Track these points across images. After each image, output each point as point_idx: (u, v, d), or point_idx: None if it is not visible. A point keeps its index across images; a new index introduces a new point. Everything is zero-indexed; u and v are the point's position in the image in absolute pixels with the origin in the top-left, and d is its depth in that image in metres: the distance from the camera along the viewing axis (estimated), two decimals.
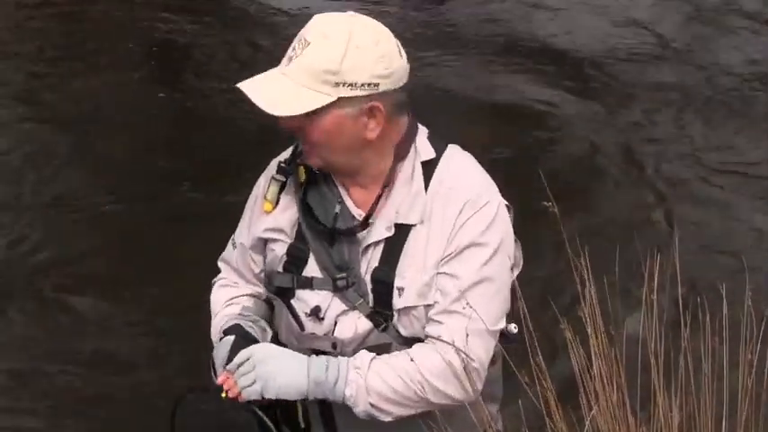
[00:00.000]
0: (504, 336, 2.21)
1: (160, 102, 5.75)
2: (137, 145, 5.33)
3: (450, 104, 5.68)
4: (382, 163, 2.18)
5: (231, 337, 2.21)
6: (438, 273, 2.14)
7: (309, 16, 2.12)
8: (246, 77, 2.14)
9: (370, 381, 2.10)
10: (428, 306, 2.15)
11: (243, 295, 2.36)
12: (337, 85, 2.07)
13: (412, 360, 2.11)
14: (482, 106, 5.75)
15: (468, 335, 2.09)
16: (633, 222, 4.65)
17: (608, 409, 2.05)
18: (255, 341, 2.21)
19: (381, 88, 2.09)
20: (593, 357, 2.08)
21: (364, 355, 2.14)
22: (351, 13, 2.15)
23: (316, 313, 2.20)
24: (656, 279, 2.18)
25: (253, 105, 2.11)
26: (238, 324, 2.26)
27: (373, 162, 2.18)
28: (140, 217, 4.77)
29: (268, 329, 2.30)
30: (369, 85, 2.08)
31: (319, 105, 2.08)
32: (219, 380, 2.14)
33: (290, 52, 2.10)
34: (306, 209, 2.21)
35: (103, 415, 3.77)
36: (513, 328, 2.23)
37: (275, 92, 2.10)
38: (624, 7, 6.71)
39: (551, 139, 5.46)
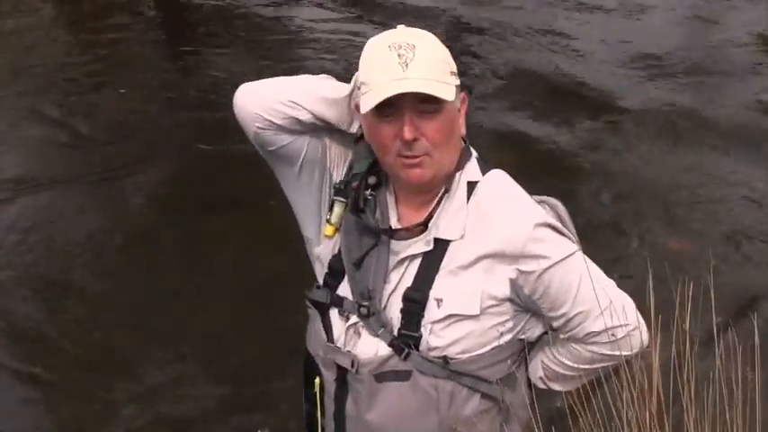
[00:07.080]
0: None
1: None
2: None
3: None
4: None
5: None
6: (551, 317, 2.19)
7: None
8: None
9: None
10: (472, 316, 2.13)
11: None
12: (452, 74, 2.11)
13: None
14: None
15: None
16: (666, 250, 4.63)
17: None
18: None
19: None
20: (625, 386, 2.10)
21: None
22: (401, 26, 2.17)
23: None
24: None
25: None
26: None
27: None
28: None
29: None
30: (457, 75, 2.13)
31: (454, 89, 2.08)
32: None
33: (398, 60, 2.05)
34: (350, 229, 2.20)
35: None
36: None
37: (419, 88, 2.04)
38: None
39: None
